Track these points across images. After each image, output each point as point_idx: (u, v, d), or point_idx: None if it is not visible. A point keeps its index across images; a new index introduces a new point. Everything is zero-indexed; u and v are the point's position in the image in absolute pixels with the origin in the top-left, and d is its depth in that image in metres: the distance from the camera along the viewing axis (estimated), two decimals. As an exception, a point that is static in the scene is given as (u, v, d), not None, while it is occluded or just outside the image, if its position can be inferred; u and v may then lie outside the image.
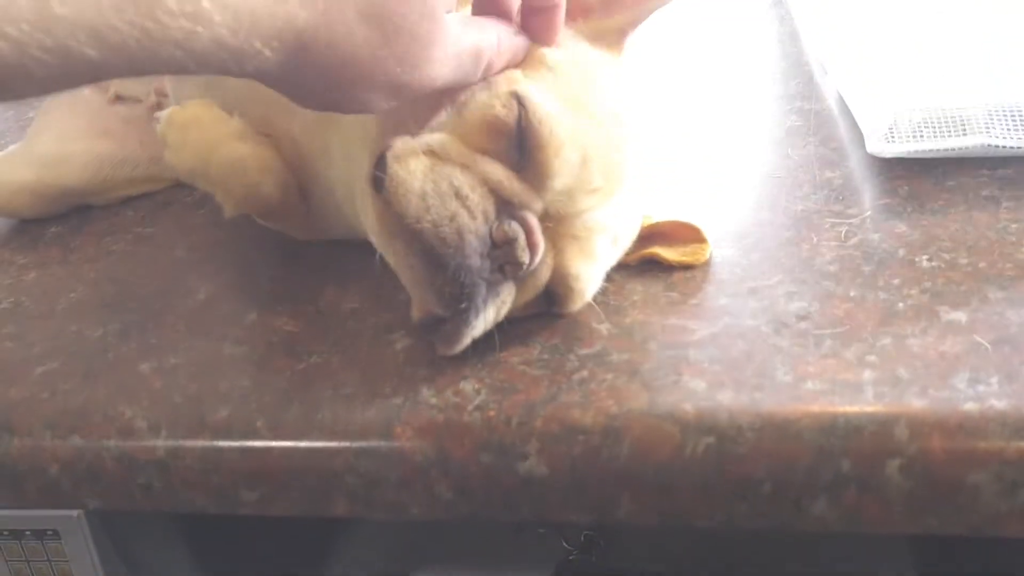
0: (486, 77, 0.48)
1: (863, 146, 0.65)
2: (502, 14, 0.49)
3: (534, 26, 0.50)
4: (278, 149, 0.62)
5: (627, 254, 0.56)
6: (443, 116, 0.50)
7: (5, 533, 0.74)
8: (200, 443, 0.50)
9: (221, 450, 0.50)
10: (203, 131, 0.62)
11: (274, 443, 0.50)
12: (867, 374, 0.46)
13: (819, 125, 0.71)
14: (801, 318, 0.51)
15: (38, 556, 0.74)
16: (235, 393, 0.52)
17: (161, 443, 0.51)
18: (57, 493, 0.53)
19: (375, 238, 0.51)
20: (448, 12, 0.43)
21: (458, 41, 0.44)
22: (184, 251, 0.69)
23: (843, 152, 0.67)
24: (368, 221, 0.52)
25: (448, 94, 0.50)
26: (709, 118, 0.76)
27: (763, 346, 0.49)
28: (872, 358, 0.47)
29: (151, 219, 0.75)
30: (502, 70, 0.49)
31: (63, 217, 0.77)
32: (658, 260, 0.57)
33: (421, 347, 0.53)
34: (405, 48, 0.41)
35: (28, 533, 0.75)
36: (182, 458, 0.51)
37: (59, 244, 0.73)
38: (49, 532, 0.74)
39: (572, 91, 0.50)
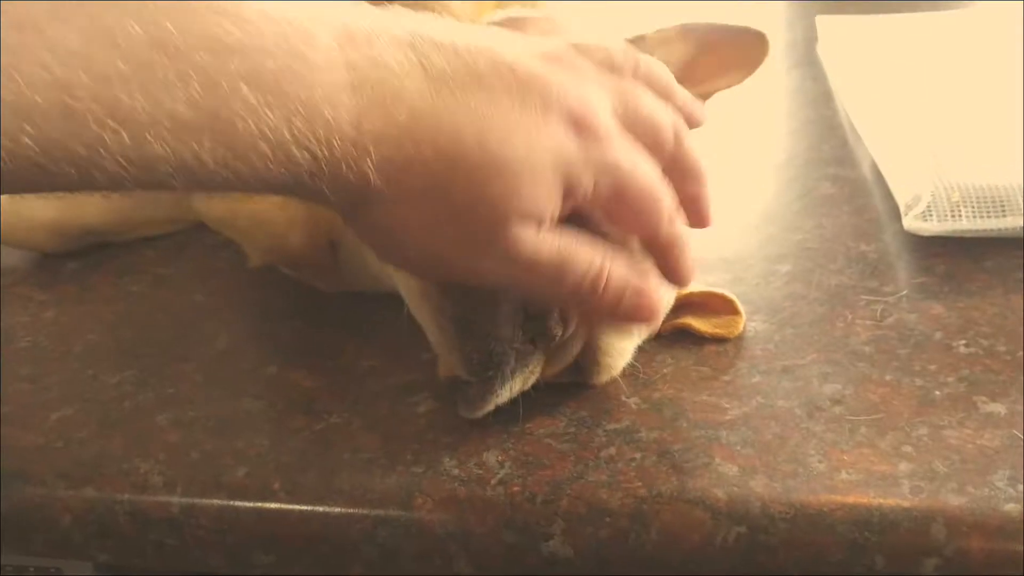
0: (585, 303, 0.42)
1: (898, 218, 0.64)
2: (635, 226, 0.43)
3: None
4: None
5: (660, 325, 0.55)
6: None
7: (9, 568, 0.73)
8: (216, 502, 0.49)
9: (237, 511, 0.49)
10: None
11: (291, 507, 0.48)
12: (903, 466, 0.44)
13: (853, 194, 0.70)
14: (835, 402, 0.49)
15: (41, 597, 0.73)
16: (252, 452, 0.51)
17: (176, 500, 0.50)
18: (67, 545, 0.52)
19: (405, 294, 0.51)
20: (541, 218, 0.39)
21: (534, 254, 0.39)
22: (203, 296, 0.68)
23: (878, 224, 0.66)
24: (397, 276, 0.51)
25: None
26: (740, 179, 0.75)
27: (796, 430, 0.48)
28: (908, 449, 0.45)
29: (170, 260, 0.74)
30: (614, 311, 0.43)
31: (82, 253, 0.76)
32: (690, 331, 0.56)
33: (444, 411, 0.52)
34: (461, 243, 0.39)
35: (32, 569, 0.74)
36: (196, 517, 0.49)
37: (77, 282, 0.72)
38: (52, 570, 0.73)
39: None
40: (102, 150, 0.31)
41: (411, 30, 0.38)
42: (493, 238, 0.38)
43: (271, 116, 0.34)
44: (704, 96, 0.55)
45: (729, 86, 0.56)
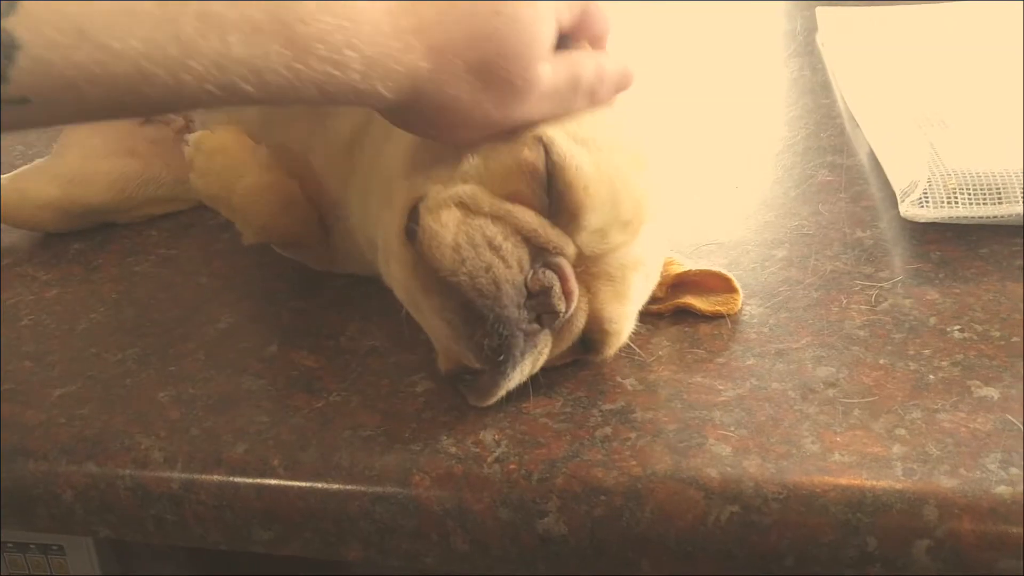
0: (596, 104, 0.51)
1: (895, 205, 0.65)
2: (593, 38, 0.52)
3: None
4: (301, 181, 0.62)
5: (660, 304, 0.55)
6: (468, 164, 0.49)
7: (10, 545, 0.74)
8: (216, 478, 0.50)
9: (237, 487, 0.50)
10: (229, 158, 0.63)
11: (290, 483, 0.49)
12: (896, 448, 0.45)
13: (850, 181, 0.71)
14: (829, 384, 0.50)
15: (41, 570, 0.74)
16: (252, 429, 0.52)
17: (176, 476, 0.50)
18: (69, 520, 0.53)
19: (401, 292, 0.51)
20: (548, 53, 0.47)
21: (553, 81, 0.48)
22: (206, 277, 0.69)
23: (874, 211, 0.66)
24: (394, 273, 0.51)
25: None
26: (739, 166, 0.76)
27: (790, 412, 0.48)
28: (901, 432, 0.46)
29: (174, 241, 0.74)
30: (610, 96, 0.52)
31: (86, 233, 0.76)
32: (690, 309, 0.56)
33: (442, 392, 0.53)
34: (502, 96, 0.46)
35: (33, 547, 0.74)
36: (196, 492, 0.50)
37: (81, 262, 0.73)
38: (55, 547, 0.74)
39: (586, 131, 0.50)
40: (193, 52, 0.37)
41: None
42: (528, 84, 0.46)
43: (326, 21, 0.40)
44: None
45: None
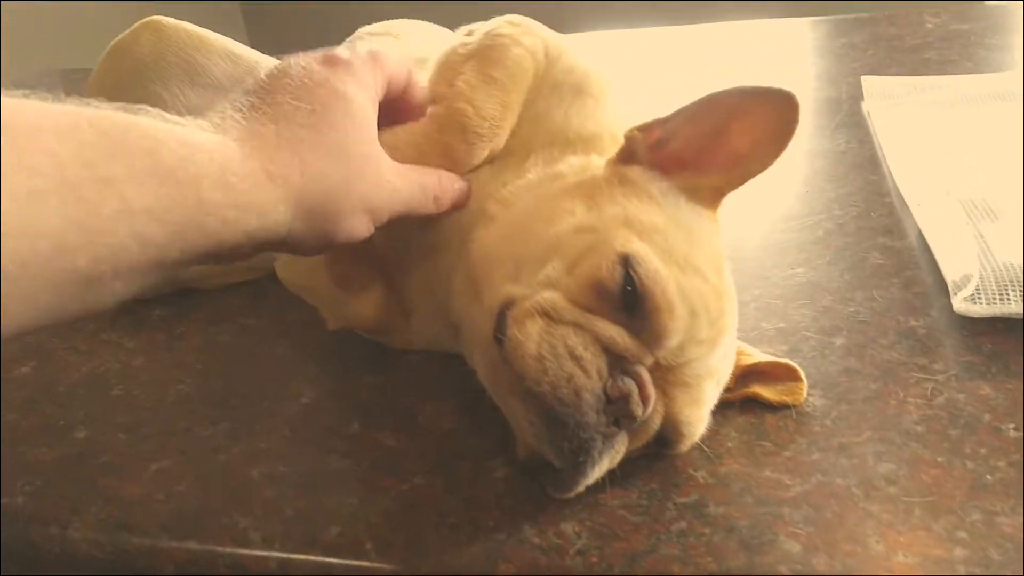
0: (439, 209, 0.59)
1: (946, 293, 0.67)
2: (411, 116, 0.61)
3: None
4: (384, 265, 0.66)
5: (728, 392, 0.58)
6: (552, 268, 0.53)
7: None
8: (312, 558, 0.53)
9: (332, 567, 0.53)
10: None
11: (382, 566, 0.52)
12: (958, 551, 0.48)
13: (902, 265, 0.73)
14: (890, 482, 0.53)
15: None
16: (344, 511, 0.55)
17: (274, 555, 0.53)
18: (169, 593, 0.56)
19: (485, 381, 0.55)
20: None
21: (402, 170, 0.56)
22: (285, 348, 0.72)
23: (926, 298, 0.69)
24: (479, 366, 0.55)
25: (555, 247, 0.53)
26: (792, 244, 0.79)
27: (855, 510, 0.51)
28: (962, 535, 0.49)
29: (252, 309, 0.78)
30: (450, 207, 0.59)
31: (167, 299, 0.80)
32: (757, 399, 0.59)
33: (520, 478, 0.56)
34: (362, 168, 0.53)
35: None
36: (293, 573, 0.53)
37: (164, 329, 0.76)
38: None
39: (678, 249, 0.53)
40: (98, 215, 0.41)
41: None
42: (378, 157, 0.55)
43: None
44: (744, 178, 0.57)
45: (765, 163, 0.56)
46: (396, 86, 0.59)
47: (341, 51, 0.56)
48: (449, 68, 0.63)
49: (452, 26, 0.77)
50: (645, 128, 0.57)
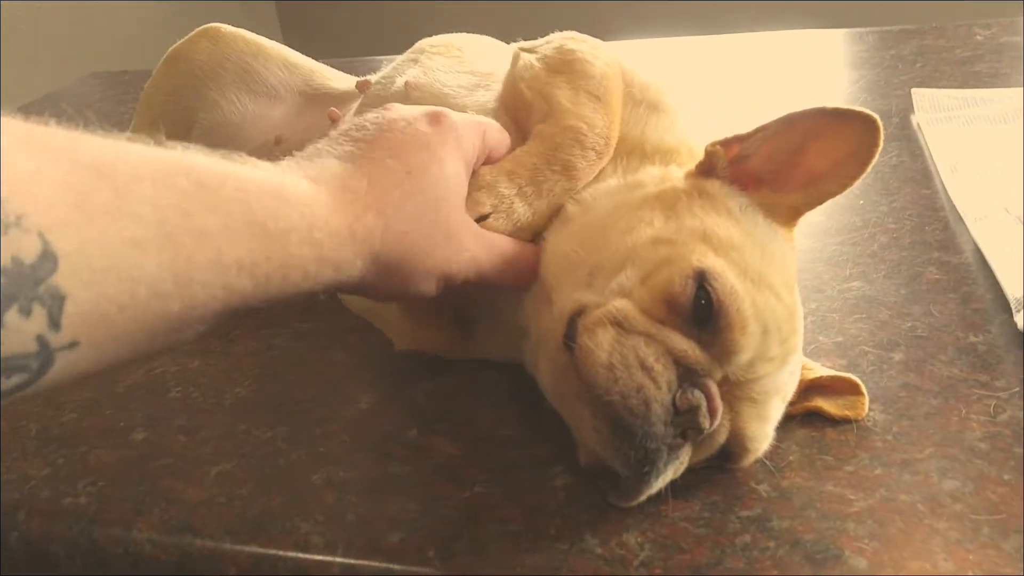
0: (517, 284, 0.60)
1: (1005, 309, 0.67)
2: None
3: None
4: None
5: (790, 405, 0.58)
6: (626, 277, 0.53)
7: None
8: (375, 564, 0.53)
9: (394, 573, 0.53)
10: None
11: (445, 573, 0.52)
12: (1028, 571, 0.47)
13: (959, 281, 0.73)
14: (956, 499, 0.52)
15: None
16: (405, 517, 0.55)
17: (337, 561, 0.54)
18: (232, 596, 0.56)
19: (548, 388, 0.55)
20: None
21: (486, 239, 0.57)
22: (341, 353, 0.73)
23: (985, 315, 0.69)
24: (544, 372, 0.56)
25: (630, 257, 0.53)
26: (847, 258, 0.78)
27: (920, 526, 0.51)
28: (1031, 553, 0.48)
29: (306, 313, 0.78)
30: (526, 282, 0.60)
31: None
32: (819, 412, 0.59)
33: (581, 486, 0.56)
34: (444, 235, 0.54)
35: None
36: (356, 578, 0.54)
37: (218, 334, 0.77)
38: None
39: (753, 266, 0.53)
40: (194, 267, 0.43)
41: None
42: (462, 229, 0.56)
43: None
44: (821, 198, 0.57)
45: (844, 184, 0.56)
46: (491, 159, 0.60)
47: (449, 113, 0.57)
48: (536, 83, 0.63)
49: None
50: (725, 143, 0.57)
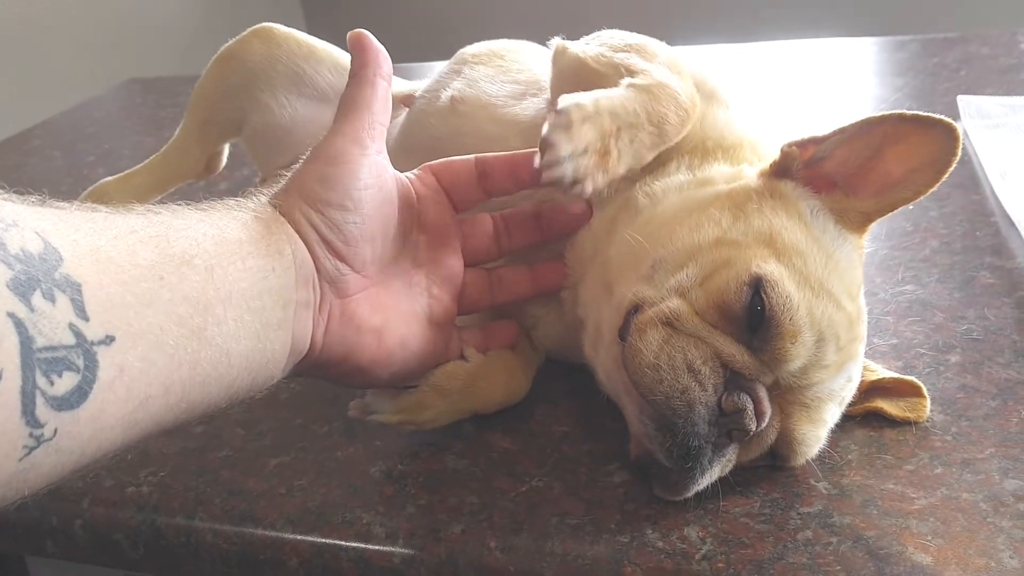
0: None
1: (1061, 314, 0.67)
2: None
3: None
4: None
5: (851, 406, 0.58)
6: (684, 275, 0.53)
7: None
8: (437, 554, 0.54)
9: (457, 564, 0.53)
10: None
11: (508, 566, 0.53)
12: (1095, 570, 0.47)
13: (1013, 286, 0.73)
14: (1019, 499, 0.52)
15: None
16: (465, 509, 0.56)
17: (399, 551, 0.54)
18: (292, 585, 0.57)
19: (604, 378, 0.56)
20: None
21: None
22: (394, 350, 0.73)
23: (1041, 319, 0.68)
24: (602, 361, 0.56)
25: (693, 255, 0.54)
26: (901, 262, 0.78)
27: (984, 524, 0.51)
28: (1098, 553, 0.48)
29: (357, 312, 0.79)
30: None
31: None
32: (881, 413, 0.59)
33: (638, 483, 0.56)
34: None
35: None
36: (417, 568, 0.54)
37: (273, 329, 0.78)
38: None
39: (815, 273, 0.53)
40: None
41: None
42: None
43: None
44: (893, 205, 0.56)
45: (918, 191, 0.55)
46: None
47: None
48: (606, 58, 0.61)
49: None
50: (801, 144, 0.57)
